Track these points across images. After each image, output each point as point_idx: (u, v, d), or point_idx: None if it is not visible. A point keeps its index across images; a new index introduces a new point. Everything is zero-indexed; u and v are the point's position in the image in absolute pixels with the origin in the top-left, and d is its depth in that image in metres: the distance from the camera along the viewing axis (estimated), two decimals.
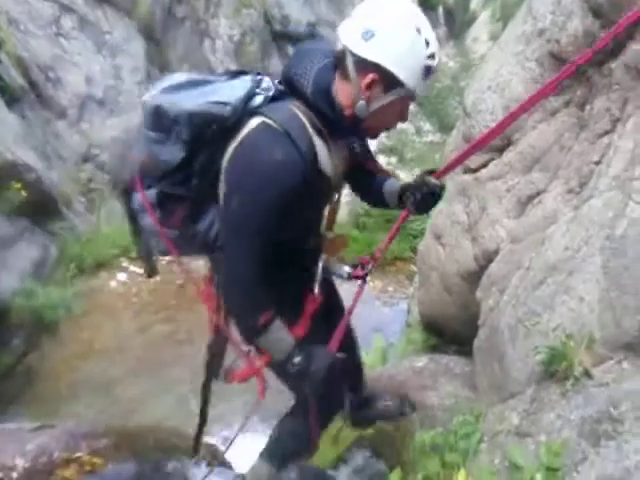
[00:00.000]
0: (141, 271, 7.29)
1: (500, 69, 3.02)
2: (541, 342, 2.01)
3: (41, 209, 6.51)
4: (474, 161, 3.22)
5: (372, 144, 2.10)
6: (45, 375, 5.13)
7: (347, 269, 2.13)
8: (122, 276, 7.11)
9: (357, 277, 2.14)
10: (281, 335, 1.75)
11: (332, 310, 2.21)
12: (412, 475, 2.12)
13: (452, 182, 3.71)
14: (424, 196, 1.78)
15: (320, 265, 1.94)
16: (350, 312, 2.11)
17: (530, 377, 2.08)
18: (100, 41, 8.88)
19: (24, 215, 6.19)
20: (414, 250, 7.37)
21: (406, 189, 1.91)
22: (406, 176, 9.88)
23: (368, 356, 4.40)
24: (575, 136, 2.53)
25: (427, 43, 1.52)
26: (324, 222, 1.97)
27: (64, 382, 5.10)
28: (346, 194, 2.09)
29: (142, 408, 4.74)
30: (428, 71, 1.56)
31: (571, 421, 1.74)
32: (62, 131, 8.04)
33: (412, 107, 1.88)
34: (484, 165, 3.11)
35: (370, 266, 2.15)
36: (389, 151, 11.43)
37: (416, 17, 1.52)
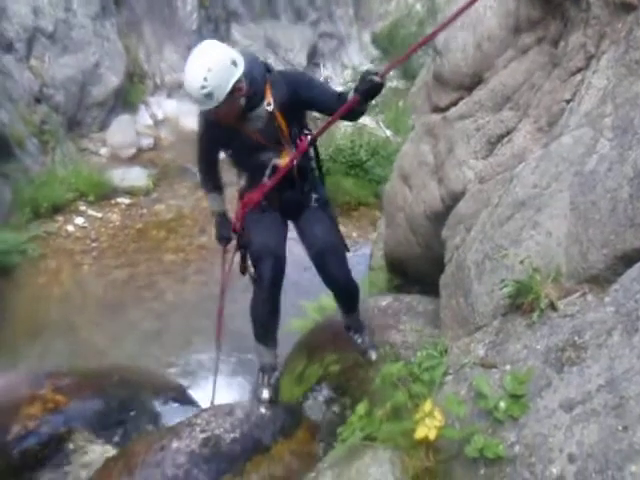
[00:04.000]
0: (99, 215, 7.11)
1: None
2: (508, 276, 2.05)
3: None
4: (443, 99, 3.18)
5: None
6: (3, 319, 4.99)
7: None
8: (80, 220, 6.91)
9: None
10: (211, 203, 3.09)
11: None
12: (379, 405, 2.15)
13: (419, 123, 3.67)
14: (368, 87, 2.27)
15: (270, 167, 2.72)
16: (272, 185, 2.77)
17: (496, 310, 2.12)
18: None
19: None
20: (377, 196, 7.36)
21: (356, 86, 2.39)
22: (370, 121, 9.81)
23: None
24: (547, 74, 2.50)
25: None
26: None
27: (23, 326, 4.99)
28: None
29: (104, 350, 4.71)
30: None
31: (536, 350, 1.78)
32: (11, 67, 7.57)
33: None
34: (454, 104, 3.07)
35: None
36: None
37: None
